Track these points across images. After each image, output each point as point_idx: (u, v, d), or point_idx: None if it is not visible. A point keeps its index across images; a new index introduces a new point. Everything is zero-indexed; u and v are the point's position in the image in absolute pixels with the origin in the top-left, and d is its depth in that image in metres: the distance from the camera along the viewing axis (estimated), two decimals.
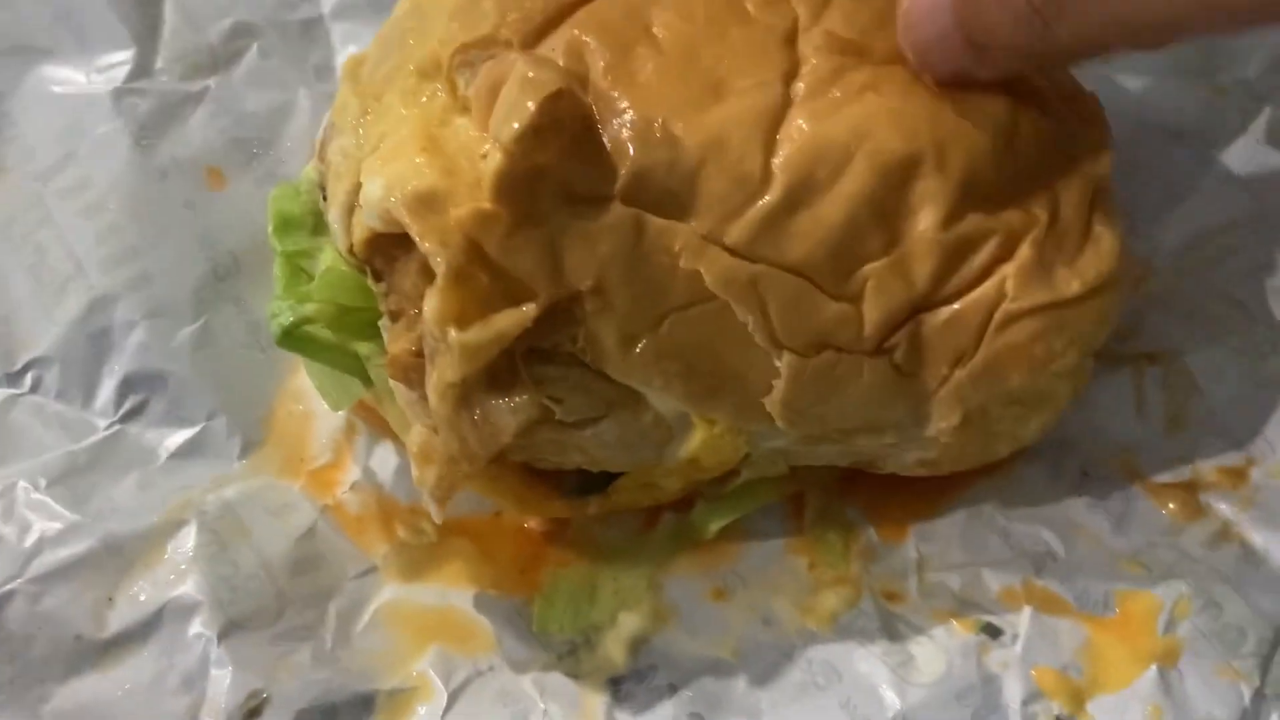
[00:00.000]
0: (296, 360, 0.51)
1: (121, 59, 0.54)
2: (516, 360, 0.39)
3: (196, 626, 0.45)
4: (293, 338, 0.45)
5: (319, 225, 0.49)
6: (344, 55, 0.56)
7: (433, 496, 0.41)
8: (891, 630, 0.45)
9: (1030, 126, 0.42)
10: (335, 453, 0.50)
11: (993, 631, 0.45)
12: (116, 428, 0.49)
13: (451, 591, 0.48)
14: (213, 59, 0.55)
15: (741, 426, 0.43)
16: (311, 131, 0.54)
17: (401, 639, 0.46)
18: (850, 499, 0.49)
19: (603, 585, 0.48)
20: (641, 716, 0.44)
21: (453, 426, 0.40)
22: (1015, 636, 0.45)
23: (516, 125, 0.36)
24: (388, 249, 0.40)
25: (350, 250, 0.42)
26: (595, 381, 0.41)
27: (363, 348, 0.45)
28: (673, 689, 0.44)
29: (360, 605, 0.47)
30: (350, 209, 0.42)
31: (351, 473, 0.50)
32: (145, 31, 0.55)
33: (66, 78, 0.54)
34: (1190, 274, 0.52)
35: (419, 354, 0.41)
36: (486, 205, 0.37)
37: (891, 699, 0.43)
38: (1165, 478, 0.48)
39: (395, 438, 0.50)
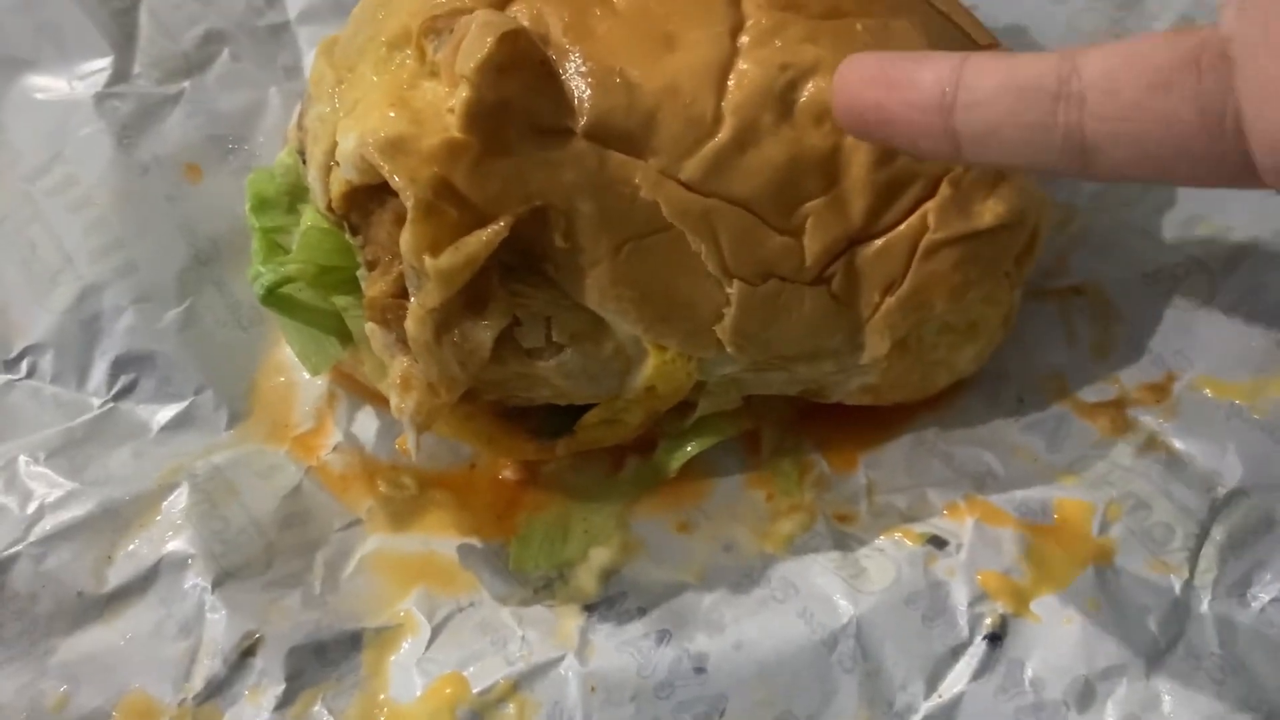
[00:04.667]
0: (277, 336, 0.54)
1: (101, 66, 0.58)
2: (493, 281, 0.43)
3: (191, 578, 0.48)
4: (274, 297, 0.48)
5: (293, 205, 0.52)
6: (310, 56, 0.59)
7: (413, 424, 0.44)
8: (844, 547, 0.49)
9: None
10: (317, 419, 0.53)
11: (938, 543, 0.48)
12: (110, 405, 0.52)
13: (433, 539, 0.50)
14: (187, 64, 0.59)
15: (692, 352, 0.46)
16: (282, 126, 0.58)
17: (386, 582, 0.49)
18: (803, 434, 0.52)
19: (574, 525, 0.51)
20: (614, 636, 0.47)
21: (432, 351, 0.43)
22: (959, 545, 0.48)
23: (479, 56, 0.40)
24: (363, 202, 0.44)
25: (329, 207, 0.46)
26: (561, 309, 0.45)
27: (341, 301, 0.48)
28: (642, 611, 0.47)
29: (346, 554, 0.50)
30: (327, 168, 0.45)
31: (334, 437, 0.53)
32: (122, 40, 0.58)
33: (49, 85, 0.57)
34: (1107, 212, 0.55)
35: (395, 295, 0.44)
36: (456, 135, 0.40)
37: (846, 606, 0.46)
38: (1094, 398, 0.51)
39: (374, 399, 0.53)
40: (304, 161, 0.48)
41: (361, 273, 0.47)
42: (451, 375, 0.44)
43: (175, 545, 0.48)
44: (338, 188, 0.45)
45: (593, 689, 0.45)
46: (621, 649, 0.46)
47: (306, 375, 0.53)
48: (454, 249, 0.41)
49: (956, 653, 0.45)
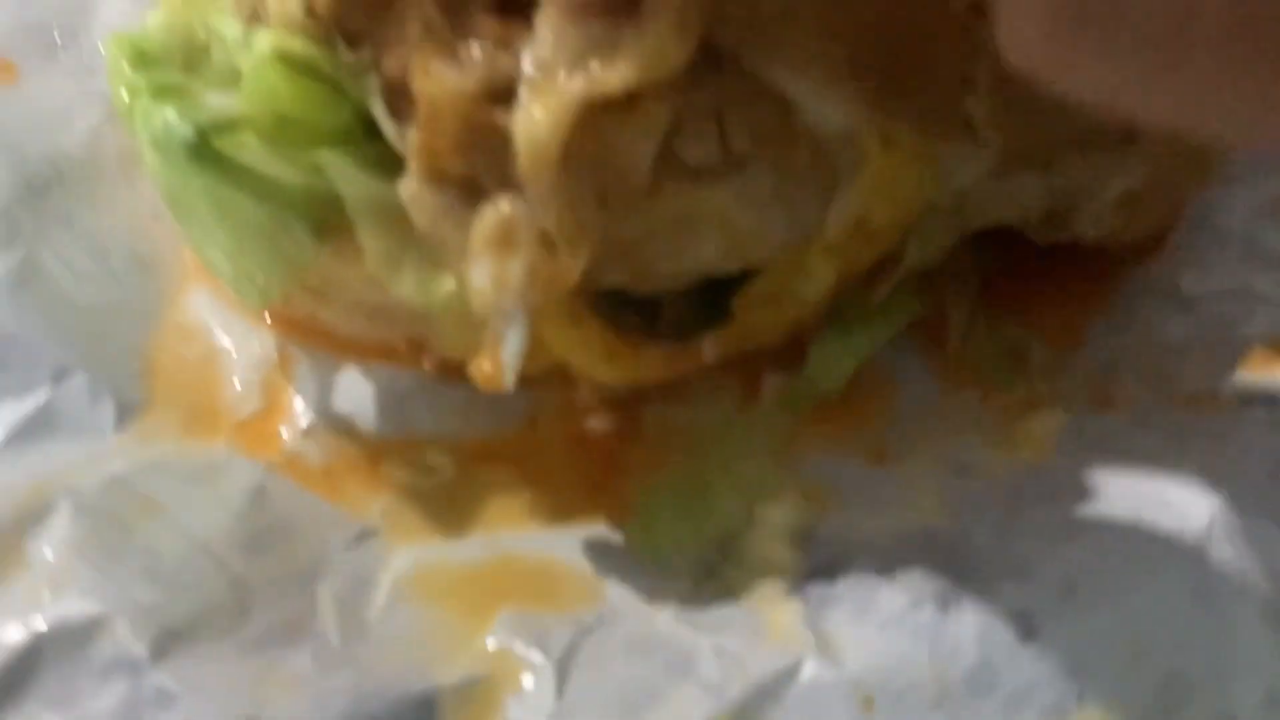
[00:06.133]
0: (175, 287, 0.35)
1: None
2: None
3: (106, 651, 0.26)
4: (209, 152, 0.29)
5: (189, 65, 0.33)
6: None
7: (521, 304, 0.26)
8: (1132, 434, 0.32)
9: None
10: (266, 395, 0.33)
11: (1270, 401, 0.33)
12: None
13: (501, 537, 0.31)
14: None
15: (930, 140, 0.30)
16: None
17: (448, 613, 0.29)
18: (996, 311, 0.36)
19: (714, 480, 0.32)
20: (864, 617, 0.28)
21: (559, 180, 0.25)
22: None
23: None
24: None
25: (309, 10, 0.28)
26: (736, 103, 0.28)
27: (326, 156, 0.29)
28: (885, 572, 0.29)
29: (365, 581, 0.30)
30: None
31: (300, 416, 0.33)
32: None
33: None
34: None
35: (485, 97, 0.26)
36: None
37: (1197, 502, 0.30)
38: None
39: (353, 351, 0.34)
40: None
41: (377, 110, 0.29)
42: (583, 220, 0.26)
43: (63, 607, 0.27)
44: None
45: (867, 700, 0.27)
46: (886, 632, 0.28)
47: (229, 339, 0.34)
48: None
49: None
